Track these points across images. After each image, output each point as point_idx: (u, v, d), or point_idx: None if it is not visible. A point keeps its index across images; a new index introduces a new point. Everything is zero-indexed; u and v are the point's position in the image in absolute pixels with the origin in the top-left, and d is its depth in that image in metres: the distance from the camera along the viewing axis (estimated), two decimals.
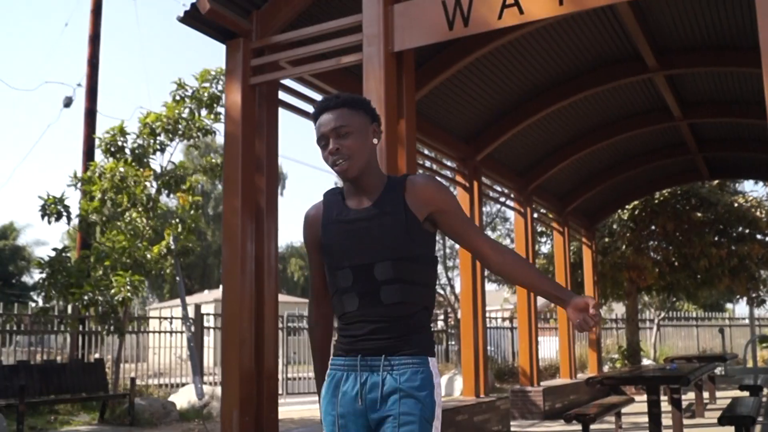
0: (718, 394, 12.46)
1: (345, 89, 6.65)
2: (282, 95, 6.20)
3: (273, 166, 5.97)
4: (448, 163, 9.76)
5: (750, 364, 18.01)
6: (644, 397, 8.93)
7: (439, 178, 2.63)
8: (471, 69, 8.01)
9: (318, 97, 6.66)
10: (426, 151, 10.29)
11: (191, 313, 13.95)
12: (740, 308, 41.90)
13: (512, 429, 9.51)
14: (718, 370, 18.41)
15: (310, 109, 6.57)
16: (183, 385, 13.10)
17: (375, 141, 2.35)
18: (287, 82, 6.25)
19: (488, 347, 19.24)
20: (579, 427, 7.38)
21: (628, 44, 8.04)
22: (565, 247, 12.89)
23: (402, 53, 5.31)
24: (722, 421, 6.37)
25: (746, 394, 9.32)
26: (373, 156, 2.35)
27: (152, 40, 77.42)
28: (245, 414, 5.46)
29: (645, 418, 9.55)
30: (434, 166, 11.76)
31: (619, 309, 24.17)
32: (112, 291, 10.27)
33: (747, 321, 24.93)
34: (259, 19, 5.81)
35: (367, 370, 2.25)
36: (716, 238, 15.18)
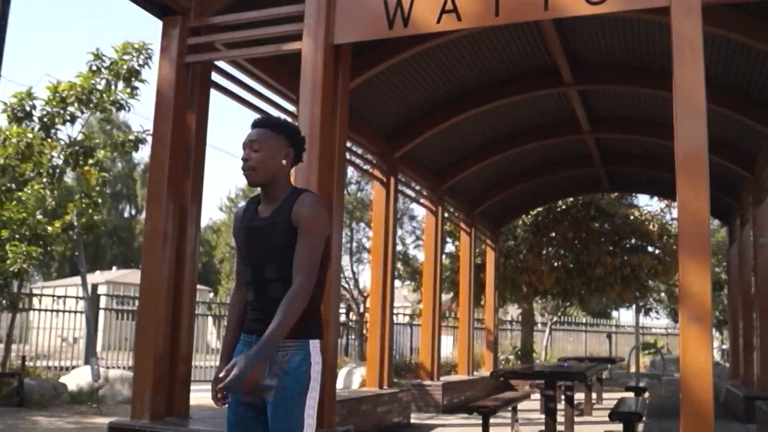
0: (604, 395, 13.16)
1: (277, 77, 6.71)
2: (216, 78, 6.16)
3: (200, 148, 5.92)
4: (368, 157, 9.88)
5: (633, 369, 19.07)
6: (535, 394, 9.35)
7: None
8: (398, 67, 8.17)
9: (251, 82, 6.66)
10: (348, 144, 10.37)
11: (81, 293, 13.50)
12: (623, 316, 44.11)
13: (412, 421, 9.76)
14: (605, 373, 19.41)
15: (242, 93, 6.57)
16: (73, 367, 12.66)
17: (284, 162, 2.83)
18: (222, 65, 6.22)
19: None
20: (474, 420, 7.70)
21: (549, 58, 8.40)
22: (471, 248, 13.27)
23: (340, 46, 5.40)
24: (612, 417, 6.81)
25: (631, 394, 9.92)
26: (281, 173, 2.82)
27: (68, 8, 74.09)
28: (157, 394, 5.42)
29: (537, 414, 10.08)
30: (353, 159, 11.87)
31: (513, 311, 25.06)
32: (7, 262, 9.83)
33: (630, 328, 26.34)
34: None
35: None
36: (611, 248, 16.00)
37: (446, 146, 10.87)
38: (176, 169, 5.64)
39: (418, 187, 11.54)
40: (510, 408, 8.68)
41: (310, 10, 5.25)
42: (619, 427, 7.03)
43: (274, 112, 6.95)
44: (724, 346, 22.31)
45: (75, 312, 14.18)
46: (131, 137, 11.34)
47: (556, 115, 10.39)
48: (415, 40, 7.23)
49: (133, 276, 32.90)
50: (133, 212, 53.34)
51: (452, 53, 8.18)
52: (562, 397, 8.46)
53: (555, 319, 22.74)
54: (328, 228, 2.82)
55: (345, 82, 5.51)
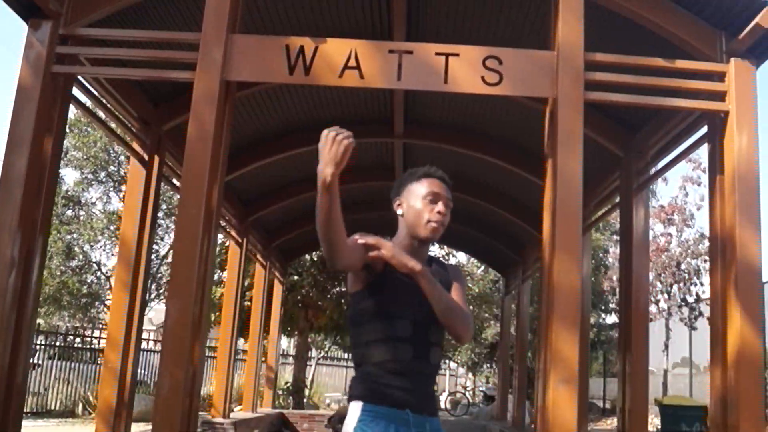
0: None
1: (133, 102, 6.42)
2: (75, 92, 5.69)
3: (54, 169, 5.42)
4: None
5: None
6: None
7: None
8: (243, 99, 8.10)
9: (107, 103, 6.24)
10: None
11: None
12: None
13: None
14: None
15: (99, 113, 6.12)
16: None
17: None
18: (82, 80, 5.76)
19: (141, 371, 18.50)
20: None
21: (387, 110, 8.80)
22: (265, 281, 13.22)
23: (230, 81, 5.27)
24: None
25: None
26: None
27: None
28: None
29: None
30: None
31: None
32: None
33: None
34: (71, 4, 5.30)
35: (416, 427, 2.38)
36: None
37: (262, 179, 10.80)
38: (30, 193, 5.10)
39: (227, 217, 11.31)
40: None
41: (208, 43, 5.06)
42: None
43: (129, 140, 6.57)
44: (481, 387, 24.13)
45: None
46: None
47: (375, 160, 10.78)
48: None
49: None
50: None
51: (298, 92, 8.27)
52: None
53: (322, 353, 23.12)
54: None
55: (230, 116, 5.38)
